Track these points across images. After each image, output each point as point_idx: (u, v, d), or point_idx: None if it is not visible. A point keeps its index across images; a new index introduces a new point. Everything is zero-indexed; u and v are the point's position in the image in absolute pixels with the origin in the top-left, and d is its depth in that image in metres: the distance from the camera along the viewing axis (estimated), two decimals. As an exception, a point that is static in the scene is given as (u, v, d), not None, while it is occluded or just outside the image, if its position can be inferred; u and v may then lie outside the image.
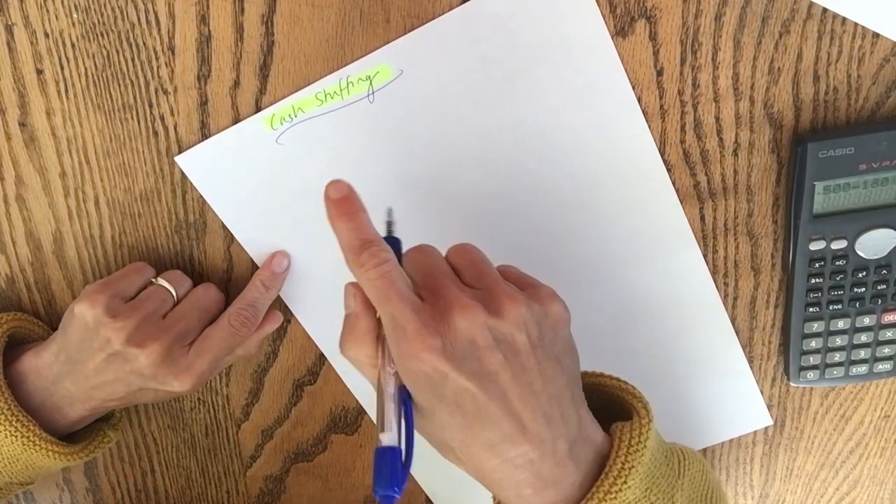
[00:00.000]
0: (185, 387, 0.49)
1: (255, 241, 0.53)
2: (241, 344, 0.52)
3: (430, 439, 0.41)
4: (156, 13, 0.47)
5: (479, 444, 0.38)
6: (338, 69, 0.48)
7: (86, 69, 0.49)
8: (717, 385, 0.58)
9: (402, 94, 0.49)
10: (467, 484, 0.62)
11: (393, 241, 0.43)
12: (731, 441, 0.61)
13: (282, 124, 0.50)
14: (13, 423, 0.48)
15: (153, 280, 0.52)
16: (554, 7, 0.47)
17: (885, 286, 0.52)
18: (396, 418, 0.38)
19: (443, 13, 0.47)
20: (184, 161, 0.51)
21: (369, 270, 0.39)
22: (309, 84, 0.49)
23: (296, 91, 0.49)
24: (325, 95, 0.49)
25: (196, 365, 0.50)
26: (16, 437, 0.48)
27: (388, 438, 0.37)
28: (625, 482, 0.38)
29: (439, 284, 0.39)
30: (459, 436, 0.38)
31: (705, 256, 0.54)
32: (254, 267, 0.54)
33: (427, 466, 0.62)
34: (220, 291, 0.53)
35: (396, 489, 0.36)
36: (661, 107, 0.50)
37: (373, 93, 0.49)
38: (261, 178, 0.51)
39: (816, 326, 0.54)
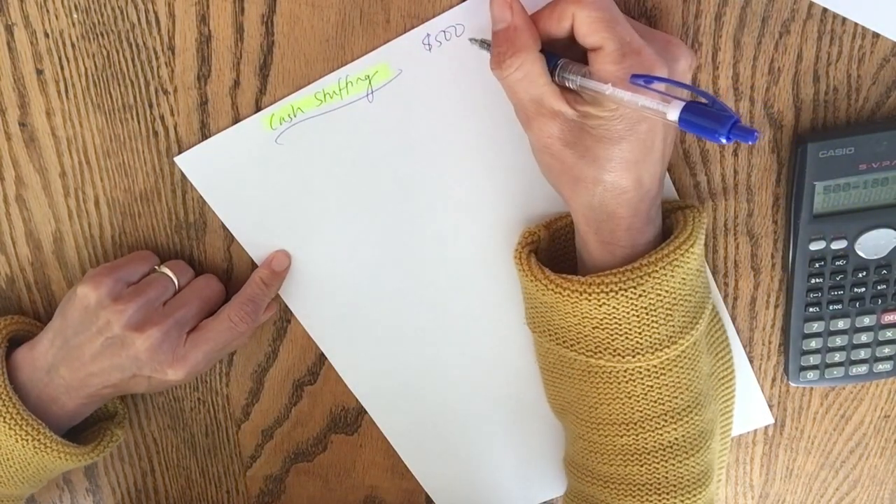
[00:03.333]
0: (179, 376, 0.50)
1: (254, 241, 0.53)
2: (237, 338, 0.52)
3: (587, 163, 0.43)
4: (156, 13, 0.47)
5: (633, 174, 0.43)
6: (338, 69, 0.48)
7: (86, 69, 0.49)
8: (717, 385, 0.58)
9: (401, 94, 0.49)
10: (467, 483, 0.62)
11: None
12: (731, 441, 0.61)
13: (281, 124, 0.50)
14: (23, 427, 0.48)
15: (156, 268, 0.52)
16: (554, 7, 0.47)
17: (885, 286, 0.52)
18: (658, 92, 0.37)
19: (442, 12, 0.47)
20: (183, 161, 0.51)
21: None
22: (309, 84, 0.49)
23: (296, 91, 0.49)
24: (325, 95, 0.49)
25: (192, 355, 0.50)
26: (27, 441, 0.48)
27: (672, 109, 0.35)
28: (694, 241, 0.45)
29: (634, 36, 0.41)
30: (624, 165, 0.42)
31: (705, 256, 0.54)
32: (254, 267, 0.54)
33: (427, 466, 0.62)
34: (220, 283, 0.54)
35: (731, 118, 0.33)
36: (661, 107, 0.50)
37: (372, 92, 0.49)
38: (260, 178, 0.51)
39: (816, 326, 0.54)
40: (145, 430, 0.60)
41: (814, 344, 0.55)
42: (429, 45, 0.47)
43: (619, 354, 0.45)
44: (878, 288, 0.52)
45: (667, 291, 0.44)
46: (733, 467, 0.62)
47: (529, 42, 0.41)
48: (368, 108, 0.49)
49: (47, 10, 0.48)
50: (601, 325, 0.45)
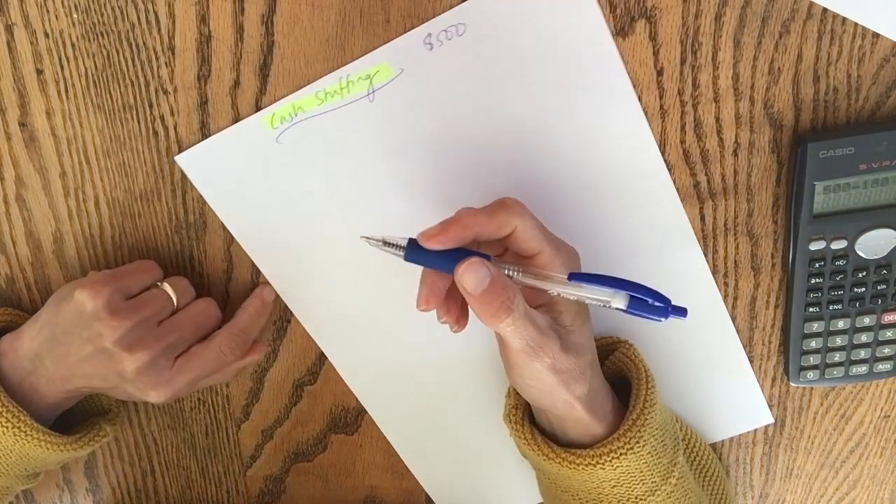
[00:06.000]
0: (161, 399, 0.49)
1: (255, 241, 0.53)
2: (223, 369, 0.52)
3: (578, 354, 0.46)
4: (156, 13, 0.47)
5: (591, 333, 0.48)
6: (338, 69, 0.48)
7: (86, 69, 0.49)
8: (718, 383, 0.58)
9: (402, 93, 0.49)
10: (467, 484, 0.62)
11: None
12: (731, 441, 0.61)
13: (282, 123, 0.50)
14: (3, 413, 0.48)
15: (158, 284, 0.52)
16: (554, 7, 0.47)
17: (885, 286, 0.52)
18: (601, 285, 0.44)
19: (443, 12, 0.47)
20: (184, 161, 0.51)
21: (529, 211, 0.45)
22: (309, 84, 0.49)
23: (296, 91, 0.49)
24: (325, 94, 0.49)
25: (176, 380, 0.49)
26: (6, 427, 0.48)
27: (618, 300, 0.43)
28: (653, 402, 0.48)
29: (553, 236, 0.48)
30: (590, 333, 0.47)
31: (705, 256, 0.54)
32: (254, 267, 0.54)
33: (427, 466, 0.62)
34: (219, 309, 0.53)
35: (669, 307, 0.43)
36: (661, 107, 0.50)
37: (373, 92, 0.49)
38: (261, 178, 0.51)
39: (816, 326, 0.54)
40: (145, 430, 0.60)
41: (814, 344, 0.55)
42: (430, 44, 0.48)
43: (641, 499, 0.48)
44: (878, 288, 0.53)
45: (657, 429, 0.48)
46: (733, 467, 0.62)
47: (511, 287, 0.43)
48: (369, 108, 0.49)
49: (47, 10, 0.48)
50: (620, 482, 0.47)
